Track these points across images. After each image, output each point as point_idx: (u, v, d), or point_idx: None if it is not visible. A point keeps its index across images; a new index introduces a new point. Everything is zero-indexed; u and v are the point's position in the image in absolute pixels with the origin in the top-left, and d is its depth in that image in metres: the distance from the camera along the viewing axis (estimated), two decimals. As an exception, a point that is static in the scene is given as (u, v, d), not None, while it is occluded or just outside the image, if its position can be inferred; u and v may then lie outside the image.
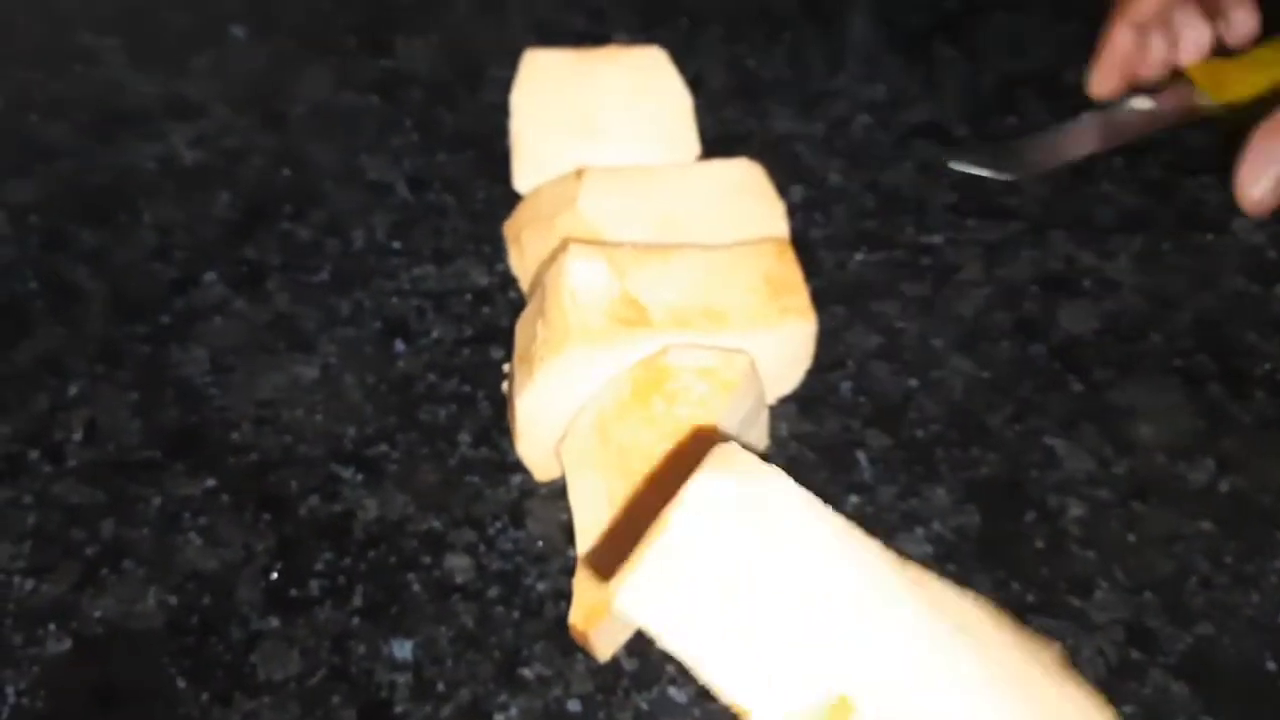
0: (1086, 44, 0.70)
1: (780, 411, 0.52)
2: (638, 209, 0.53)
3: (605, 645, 0.44)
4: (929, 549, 0.48)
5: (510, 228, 0.57)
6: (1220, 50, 0.65)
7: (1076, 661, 0.44)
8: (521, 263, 0.56)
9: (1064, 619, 0.46)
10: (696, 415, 0.44)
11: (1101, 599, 0.46)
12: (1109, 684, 0.44)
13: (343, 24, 0.70)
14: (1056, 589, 0.47)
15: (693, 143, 0.59)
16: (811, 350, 0.51)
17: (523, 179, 0.58)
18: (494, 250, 0.59)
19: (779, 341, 0.49)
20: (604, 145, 0.58)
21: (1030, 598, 0.46)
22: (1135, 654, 0.45)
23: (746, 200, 0.54)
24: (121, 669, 0.44)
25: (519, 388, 0.47)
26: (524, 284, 0.56)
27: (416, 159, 0.63)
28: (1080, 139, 0.61)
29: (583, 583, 0.43)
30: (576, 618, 0.43)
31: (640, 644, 0.45)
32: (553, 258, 0.49)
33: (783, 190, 0.55)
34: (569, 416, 0.47)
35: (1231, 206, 0.58)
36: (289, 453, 0.51)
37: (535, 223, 0.54)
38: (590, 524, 0.44)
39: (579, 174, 0.54)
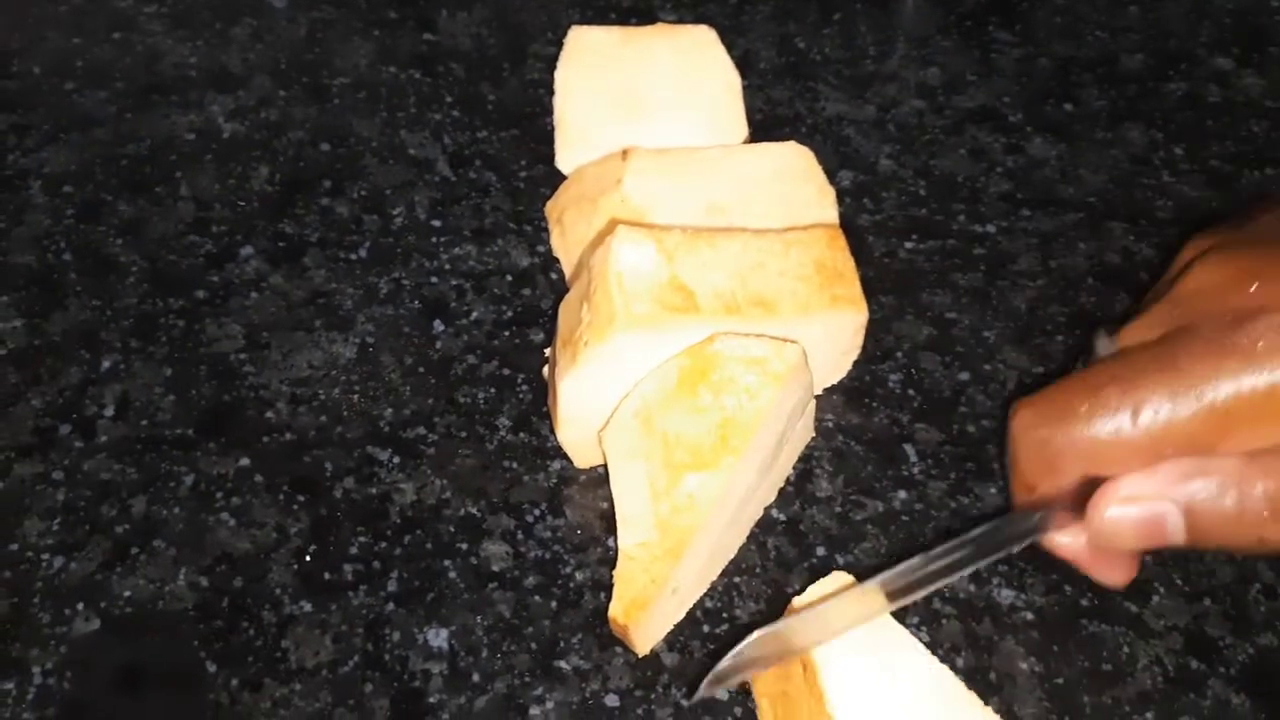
0: (1145, 28, 0.68)
1: (827, 402, 0.51)
2: (684, 191, 0.52)
3: (645, 639, 0.43)
4: (980, 548, 0.46)
5: (553, 208, 0.56)
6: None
7: (1132, 670, 0.43)
8: (564, 244, 0.54)
9: (1120, 625, 0.44)
10: (744, 406, 0.43)
11: (1159, 605, 0.45)
12: (1166, 695, 0.42)
13: (384, -4, 0.69)
14: (1111, 593, 0.45)
15: (740, 124, 0.57)
16: (860, 341, 0.50)
17: (566, 158, 0.57)
18: (535, 231, 0.57)
19: (828, 331, 0.48)
20: (650, 125, 0.56)
21: (1084, 602, 0.45)
22: (1194, 664, 0.43)
23: (795, 185, 0.52)
24: (150, 651, 0.43)
25: (562, 372, 0.45)
26: (566, 266, 0.54)
27: (458, 136, 0.62)
28: None
29: (624, 574, 0.42)
30: (617, 610, 0.42)
31: (680, 639, 0.44)
32: (599, 239, 0.48)
33: (831, 175, 0.54)
34: (612, 403, 0.45)
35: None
36: (324, 433, 0.49)
37: (579, 203, 0.53)
38: (632, 515, 0.43)
39: (624, 154, 0.52)
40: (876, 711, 0.37)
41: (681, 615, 0.45)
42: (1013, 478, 0.43)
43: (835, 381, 0.52)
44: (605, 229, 0.49)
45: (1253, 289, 0.38)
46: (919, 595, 0.40)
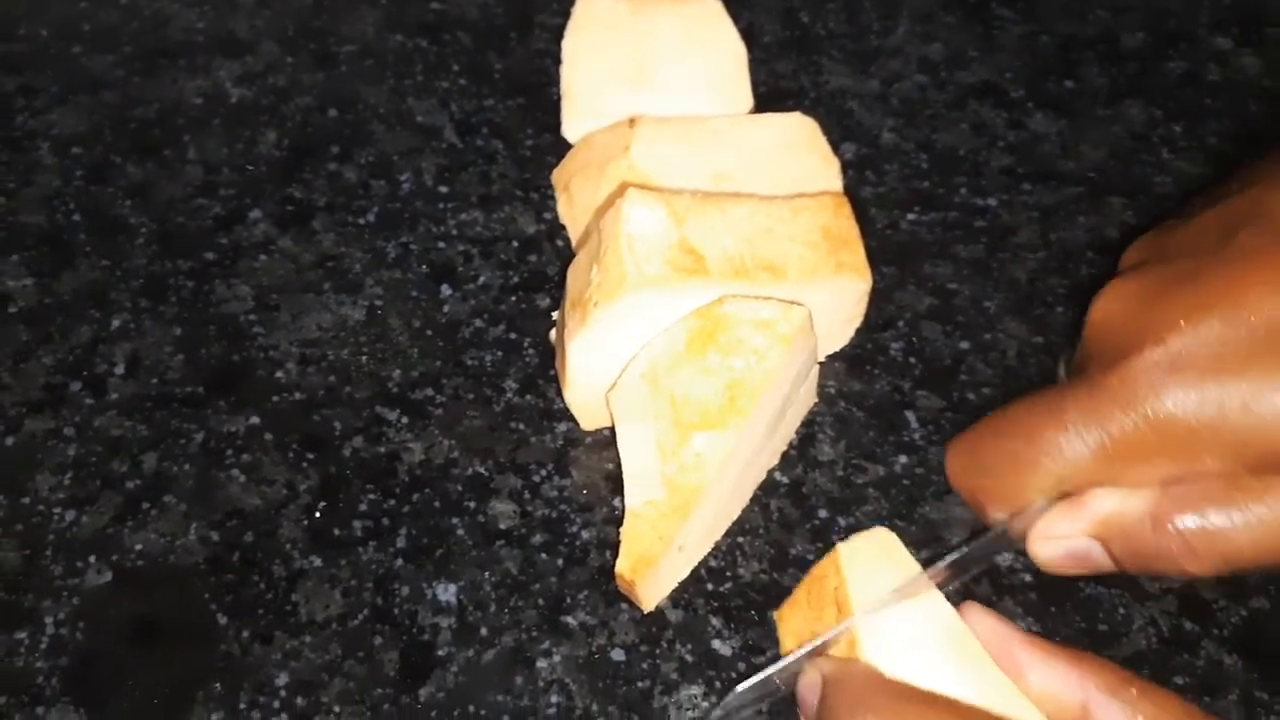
0: (1146, 7, 0.69)
1: (829, 369, 0.52)
2: (690, 159, 0.52)
3: (651, 595, 0.44)
4: (979, 512, 0.47)
5: (560, 175, 0.56)
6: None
7: (1127, 631, 0.44)
8: (570, 210, 0.55)
9: (1116, 587, 0.45)
10: (752, 367, 0.43)
11: (1154, 569, 0.46)
12: (1160, 655, 0.43)
13: (390, -34, 0.69)
14: (1108, 557, 0.46)
15: (745, 96, 0.58)
16: (864, 309, 0.51)
17: (572, 126, 0.58)
18: (542, 198, 0.58)
19: (833, 297, 0.48)
20: (655, 95, 0.57)
21: (1081, 565, 0.46)
22: (1188, 625, 0.44)
23: (800, 155, 0.53)
24: (161, 603, 0.44)
25: (571, 332, 0.46)
26: (573, 232, 0.55)
27: (465, 104, 0.62)
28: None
29: (631, 532, 0.43)
30: (624, 567, 0.42)
31: (685, 596, 0.45)
32: (609, 202, 0.48)
33: (835, 148, 0.54)
34: (620, 364, 0.46)
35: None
36: (333, 393, 0.50)
37: (585, 170, 0.53)
38: (639, 473, 0.44)
39: (631, 122, 0.53)
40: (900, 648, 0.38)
41: (687, 573, 0.45)
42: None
43: (838, 349, 0.52)
44: (615, 192, 0.49)
45: (1142, 323, 0.37)
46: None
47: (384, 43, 0.65)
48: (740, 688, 0.39)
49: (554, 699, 0.42)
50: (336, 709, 0.41)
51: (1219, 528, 0.37)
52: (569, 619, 0.44)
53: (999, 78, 0.65)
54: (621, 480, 0.44)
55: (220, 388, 0.50)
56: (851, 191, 0.57)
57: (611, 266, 0.45)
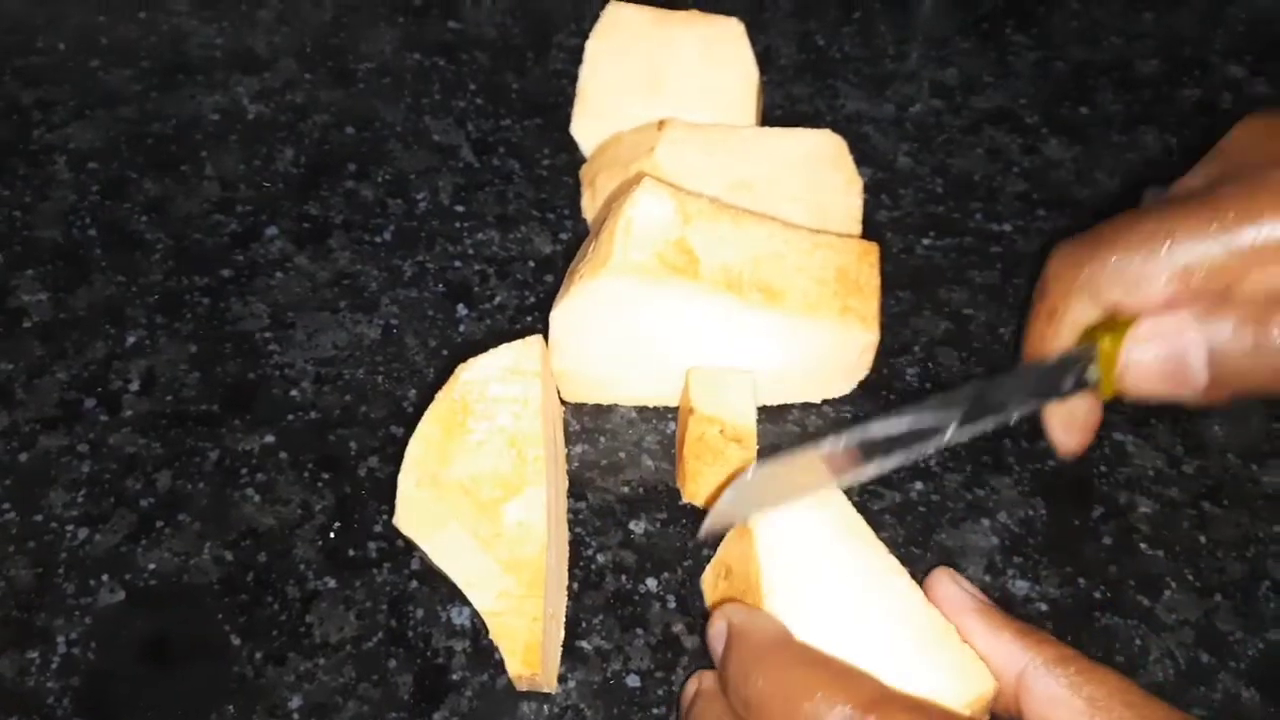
0: (1160, 35, 0.69)
1: (845, 395, 0.52)
2: (714, 165, 0.52)
3: (550, 675, 0.42)
4: (994, 540, 0.47)
5: (587, 171, 0.57)
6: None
7: (1144, 663, 0.44)
8: (594, 206, 0.55)
9: (1132, 618, 0.45)
10: (521, 415, 0.42)
11: (1171, 600, 0.46)
12: (1177, 687, 0.43)
13: (407, -17, 0.69)
14: (1125, 587, 0.46)
15: (751, 118, 0.58)
16: (869, 362, 0.50)
17: (581, 125, 0.58)
18: (558, 218, 0.58)
19: (833, 341, 0.48)
20: (664, 106, 0.57)
21: (1097, 595, 0.46)
22: (1205, 657, 0.44)
23: (823, 173, 0.53)
24: (174, 623, 0.44)
25: (557, 301, 0.47)
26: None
27: (481, 123, 0.62)
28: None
29: (501, 632, 0.40)
30: (515, 667, 0.40)
31: (701, 621, 0.44)
32: (625, 187, 0.49)
33: (851, 171, 0.54)
34: (599, 349, 0.47)
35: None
36: (349, 412, 0.50)
37: (611, 168, 0.54)
38: (475, 577, 0.41)
39: (661, 124, 0.53)
40: (805, 581, 0.39)
41: (562, 635, 0.44)
42: (1035, 310, 0.45)
43: (835, 395, 0.52)
44: (632, 180, 0.49)
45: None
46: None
47: (402, 61, 0.65)
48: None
49: (569, 725, 0.42)
50: (350, 732, 0.41)
51: None
52: (584, 644, 0.44)
53: (1014, 103, 0.65)
54: (635, 504, 0.44)
55: (235, 406, 0.50)
56: (867, 215, 0.57)
57: (604, 245, 0.45)
